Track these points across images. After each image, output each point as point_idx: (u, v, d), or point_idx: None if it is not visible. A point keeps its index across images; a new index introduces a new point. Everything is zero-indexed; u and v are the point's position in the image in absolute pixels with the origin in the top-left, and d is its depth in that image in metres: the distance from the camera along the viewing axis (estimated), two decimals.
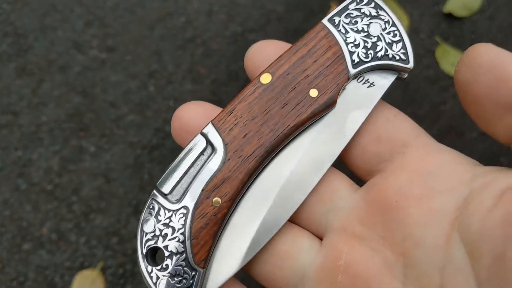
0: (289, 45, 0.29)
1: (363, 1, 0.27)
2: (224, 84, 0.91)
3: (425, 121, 0.90)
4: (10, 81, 0.88)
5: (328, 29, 0.26)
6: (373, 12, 0.26)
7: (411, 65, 0.26)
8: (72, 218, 0.78)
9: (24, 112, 0.85)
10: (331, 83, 0.26)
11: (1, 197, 0.78)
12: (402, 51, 0.26)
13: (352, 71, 0.26)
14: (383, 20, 0.26)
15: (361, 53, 0.26)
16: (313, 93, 0.26)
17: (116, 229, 0.77)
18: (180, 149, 0.29)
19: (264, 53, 0.29)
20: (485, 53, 0.23)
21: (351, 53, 0.26)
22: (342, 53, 0.26)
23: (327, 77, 0.26)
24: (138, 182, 0.81)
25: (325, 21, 0.27)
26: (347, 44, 0.26)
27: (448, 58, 0.97)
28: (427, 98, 0.93)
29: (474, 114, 0.26)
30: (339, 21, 0.26)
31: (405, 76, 0.27)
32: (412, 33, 0.99)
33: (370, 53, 0.26)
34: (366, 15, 0.26)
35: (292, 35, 0.97)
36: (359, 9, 0.26)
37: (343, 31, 0.26)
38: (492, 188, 0.23)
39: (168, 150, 0.84)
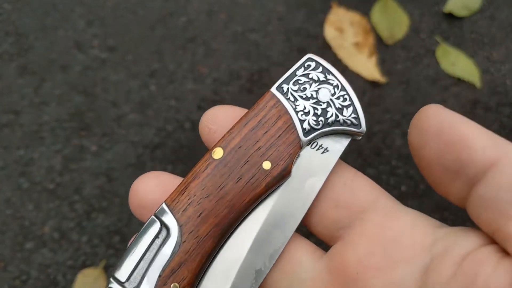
0: (243, 110, 0.28)
1: (310, 66, 0.26)
2: (225, 84, 0.91)
3: None
4: (11, 80, 0.88)
5: (277, 98, 0.26)
6: (321, 77, 0.26)
7: (363, 129, 0.26)
8: (74, 217, 0.78)
9: (25, 111, 0.85)
10: (283, 153, 0.26)
11: (3, 196, 0.78)
12: (353, 115, 0.26)
13: (304, 139, 0.26)
14: (332, 84, 0.26)
15: (312, 120, 0.26)
16: (266, 165, 0.26)
17: (117, 228, 0.78)
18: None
19: (218, 120, 0.28)
20: (434, 116, 0.23)
21: (302, 121, 0.26)
22: (293, 122, 0.26)
23: (279, 147, 0.26)
24: None
25: (273, 89, 0.26)
26: (297, 112, 0.26)
27: (448, 58, 0.97)
28: (427, 98, 0.93)
29: (428, 178, 0.25)
30: (288, 89, 0.26)
31: (360, 138, 0.27)
32: (413, 33, 1.00)
33: (321, 120, 0.26)
34: (314, 81, 0.26)
35: (292, 34, 0.97)
36: (307, 75, 0.26)
37: (292, 99, 0.26)
38: (452, 254, 0.23)
39: (169, 149, 0.84)
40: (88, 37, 0.93)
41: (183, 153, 0.84)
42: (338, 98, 0.26)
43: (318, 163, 0.27)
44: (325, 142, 0.27)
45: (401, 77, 0.95)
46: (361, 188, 0.27)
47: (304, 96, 0.26)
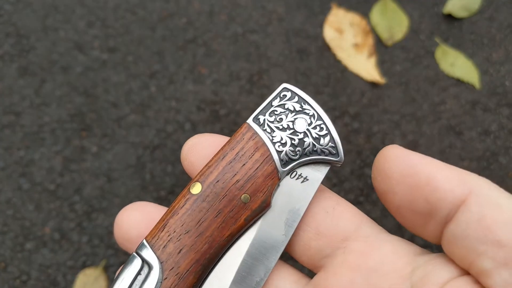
0: (223, 138, 0.28)
1: (286, 96, 0.26)
2: (225, 84, 0.91)
3: (425, 121, 0.91)
4: (12, 81, 0.88)
5: (254, 129, 0.26)
6: (297, 107, 0.26)
7: (341, 158, 0.26)
8: (74, 218, 0.78)
9: (26, 112, 0.86)
10: (262, 186, 0.26)
11: (4, 196, 0.79)
12: (330, 144, 0.26)
13: (282, 170, 0.26)
14: (308, 114, 0.26)
15: (289, 151, 0.26)
16: (245, 198, 0.26)
17: None
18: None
19: (198, 151, 0.28)
20: (395, 160, 0.23)
21: (279, 152, 0.26)
22: (270, 153, 0.26)
23: (257, 180, 0.26)
24: (139, 181, 0.81)
25: (250, 121, 0.26)
26: (274, 143, 0.26)
27: (447, 59, 0.97)
28: (427, 98, 0.93)
29: (400, 221, 0.25)
30: (264, 120, 0.26)
31: (339, 165, 0.27)
32: (412, 34, 1.00)
33: (298, 150, 0.26)
34: (290, 111, 0.26)
35: (292, 35, 0.97)
36: (283, 105, 0.26)
37: (268, 130, 0.26)
38: (430, 283, 0.23)
39: (169, 150, 0.85)
40: (89, 38, 0.93)
41: None
42: (314, 127, 0.26)
43: (298, 192, 0.27)
44: (304, 171, 0.27)
45: (400, 78, 0.95)
46: (342, 216, 0.27)
47: (281, 127, 0.26)
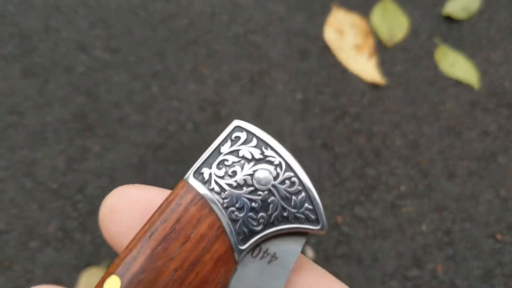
0: (156, 193, 0.21)
1: (239, 138, 0.19)
2: (226, 84, 0.92)
3: (425, 121, 0.92)
4: (15, 81, 0.89)
5: (195, 189, 0.18)
6: (257, 154, 0.18)
7: (323, 225, 0.18)
8: (77, 217, 0.79)
9: (29, 112, 0.86)
10: (211, 275, 0.18)
11: (8, 196, 0.79)
12: (306, 206, 0.18)
13: (240, 249, 0.18)
14: (272, 163, 0.18)
15: (249, 220, 0.18)
16: None
17: None
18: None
19: (121, 215, 0.20)
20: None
21: (234, 222, 0.18)
22: (221, 225, 0.18)
23: (204, 267, 0.18)
24: (141, 181, 0.82)
25: (189, 177, 0.18)
26: (225, 209, 0.18)
27: (447, 60, 0.98)
28: (427, 99, 0.94)
29: None
30: (210, 175, 0.18)
31: (322, 233, 0.19)
32: (412, 35, 1.01)
33: (262, 217, 0.18)
34: (247, 160, 0.18)
35: (293, 36, 0.98)
36: (236, 152, 0.18)
37: (217, 189, 0.18)
38: None
39: (171, 150, 0.85)
40: (91, 38, 0.94)
41: (185, 153, 0.85)
42: (282, 182, 0.18)
43: (265, 277, 0.19)
44: (272, 246, 0.19)
45: (400, 79, 0.96)
46: None
47: (235, 184, 0.18)
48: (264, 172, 0.18)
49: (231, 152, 0.19)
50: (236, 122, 0.19)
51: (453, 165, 0.88)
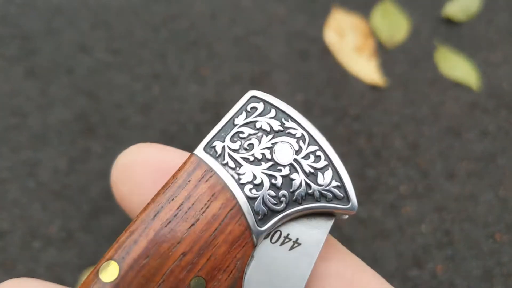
0: (173, 152, 0.18)
1: (256, 109, 0.17)
2: (227, 86, 0.93)
3: (425, 122, 0.92)
4: (18, 83, 0.89)
5: (207, 164, 0.16)
6: (276, 125, 0.16)
7: (352, 204, 0.16)
8: (80, 217, 0.80)
9: (32, 114, 0.87)
10: (225, 260, 0.15)
11: (11, 196, 0.80)
12: (334, 182, 0.16)
13: (259, 230, 0.16)
14: (294, 136, 0.16)
15: (268, 198, 0.16)
16: (197, 284, 0.15)
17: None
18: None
19: (133, 177, 0.18)
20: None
21: (252, 200, 0.15)
22: (237, 203, 0.15)
23: (216, 251, 0.15)
24: None
25: (199, 151, 0.16)
26: (242, 185, 0.16)
27: (447, 61, 0.99)
28: (426, 100, 0.95)
29: None
30: (223, 148, 0.16)
31: (347, 217, 0.17)
32: (412, 36, 1.01)
33: (284, 196, 0.16)
34: (265, 132, 0.16)
35: (293, 37, 0.99)
36: (252, 124, 0.16)
37: (231, 164, 0.16)
38: None
39: None
40: (93, 40, 0.95)
41: None
42: (306, 157, 0.16)
43: (286, 265, 0.16)
44: (294, 230, 0.16)
45: (400, 80, 0.97)
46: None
47: (252, 159, 0.16)
48: (284, 146, 0.16)
49: (246, 124, 0.17)
50: (252, 92, 0.17)
51: (452, 165, 0.89)
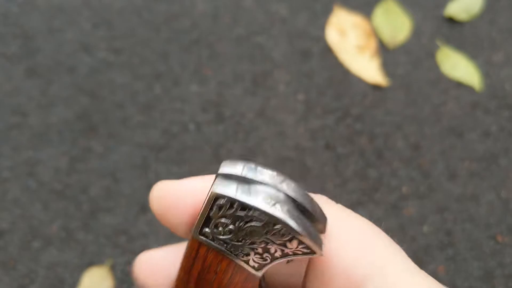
0: (172, 251, 0.23)
1: (222, 206, 0.19)
2: (229, 86, 0.93)
3: (427, 122, 0.92)
4: (19, 82, 0.89)
5: (206, 243, 0.20)
6: (242, 214, 0.19)
7: (321, 252, 0.19)
8: (81, 217, 0.80)
9: (33, 113, 0.87)
10: None
11: (12, 196, 0.80)
12: (301, 246, 0.19)
13: (259, 274, 0.20)
14: (260, 220, 0.18)
15: (256, 259, 0.20)
16: None
17: (124, 227, 0.79)
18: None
19: (153, 270, 0.22)
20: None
21: (245, 261, 0.20)
22: (236, 263, 0.20)
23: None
24: (145, 182, 0.83)
25: (196, 236, 0.20)
26: (235, 254, 0.19)
27: (448, 61, 0.99)
28: (428, 100, 0.95)
29: None
30: (211, 232, 0.19)
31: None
32: (414, 36, 1.01)
33: (267, 257, 0.19)
34: (237, 218, 0.19)
35: (295, 37, 0.98)
36: (224, 216, 0.19)
37: (222, 243, 0.19)
38: None
39: (174, 151, 0.86)
40: (95, 39, 0.94)
41: (188, 154, 0.85)
42: (274, 234, 0.19)
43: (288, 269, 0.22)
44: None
45: (402, 80, 0.96)
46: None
47: (235, 239, 0.19)
48: (256, 228, 0.18)
49: (220, 216, 0.19)
50: (215, 193, 0.19)
51: (454, 166, 0.89)
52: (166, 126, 0.88)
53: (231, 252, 0.19)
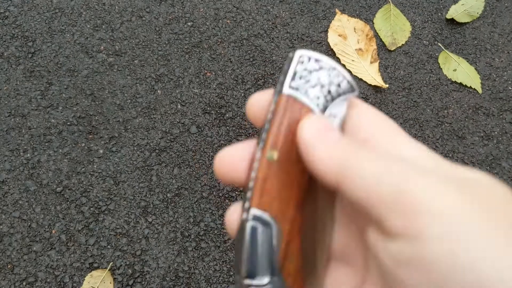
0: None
1: (303, 61, 0.27)
2: (230, 88, 0.92)
3: (428, 125, 0.92)
4: (19, 83, 0.88)
5: (293, 96, 0.26)
6: (316, 66, 0.27)
7: (356, 92, 0.27)
8: (81, 220, 0.78)
9: (33, 115, 0.86)
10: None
11: (11, 198, 0.79)
12: (348, 85, 0.27)
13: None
14: (326, 68, 0.27)
15: (322, 100, 0.27)
16: None
17: (124, 230, 0.78)
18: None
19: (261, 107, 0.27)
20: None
21: (317, 105, 0.27)
22: (312, 110, 0.26)
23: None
24: (146, 184, 0.82)
25: (286, 90, 0.27)
26: (311, 99, 0.27)
27: (450, 64, 0.99)
28: (429, 103, 0.94)
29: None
30: (298, 84, 0.27)
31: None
32: (415, 39, 1.01)
33: (328, 98, 0.27)
34: (314, 70, 0.27)
35: (296, 40, 0.98)
36: (305, 69, 0.27)
37: (302, 91, 0.27)
38: None
39: (175, 153, 0.85)
40: (95, 41, 0.94)
41: (189, 156, 0.85)
42: (335, 76, 0.27)
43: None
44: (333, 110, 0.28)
45: (403, 83, 0.96)
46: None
47: (312, 85, 0.27)
48: (323, 72, 0.26)
49: (303, 70, 0.26)
50: (300, 52, 0.26)
51: None
52: (167, 128, 0.87)
53: (309, 97, 0.26)
